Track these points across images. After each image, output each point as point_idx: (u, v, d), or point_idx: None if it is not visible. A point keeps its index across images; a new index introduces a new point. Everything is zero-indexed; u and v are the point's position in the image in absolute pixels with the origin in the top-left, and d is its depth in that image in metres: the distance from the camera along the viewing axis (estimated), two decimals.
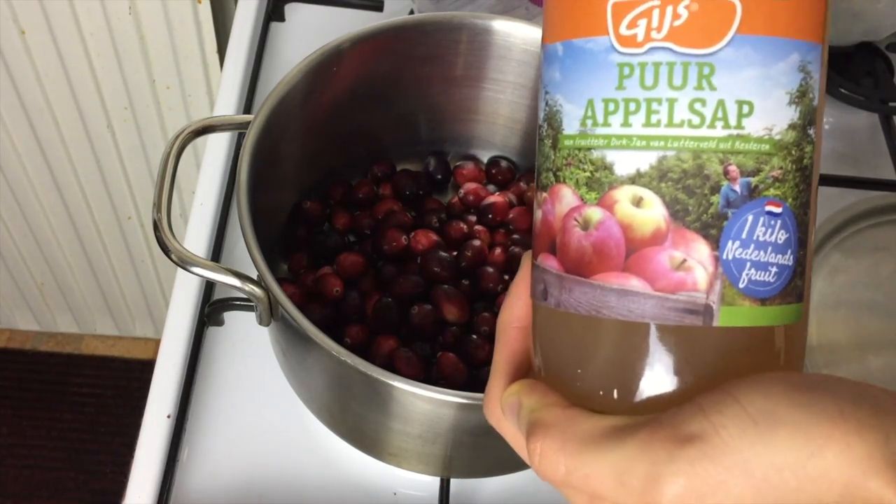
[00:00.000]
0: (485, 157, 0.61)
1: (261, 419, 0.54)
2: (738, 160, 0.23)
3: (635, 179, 0.24)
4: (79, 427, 1.39)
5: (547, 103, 0.26)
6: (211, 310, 0.56)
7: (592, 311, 0.24)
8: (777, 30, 0.23)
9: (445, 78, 0.56)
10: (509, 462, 0.50)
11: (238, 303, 0.56)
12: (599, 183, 0.24)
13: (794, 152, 0.24)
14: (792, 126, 0.24)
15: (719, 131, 0.23)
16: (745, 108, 0.23)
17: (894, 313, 0.58)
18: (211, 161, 0.64)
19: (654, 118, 0.23)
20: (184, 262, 0.42)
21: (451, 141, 0.60)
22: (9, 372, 1.43)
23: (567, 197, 0.25)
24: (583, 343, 0.25)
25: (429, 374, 0.49)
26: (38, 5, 0.87)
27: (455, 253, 0.53)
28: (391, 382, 0.39)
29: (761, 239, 0.24)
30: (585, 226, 0.25)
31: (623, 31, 0.23)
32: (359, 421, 0.48)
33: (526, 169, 0.60)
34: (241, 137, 0.49)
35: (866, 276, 0.58)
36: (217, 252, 0.60)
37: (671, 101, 0.23)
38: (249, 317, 0.56)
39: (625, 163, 0.24)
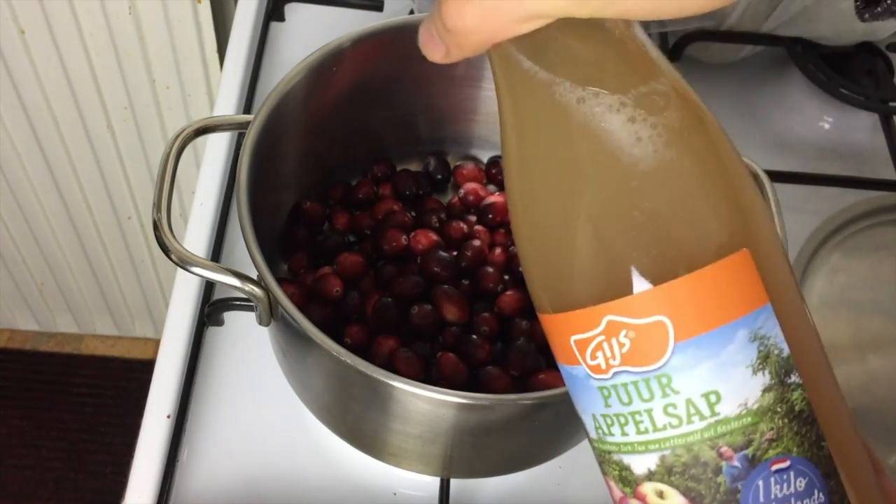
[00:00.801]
0: (485, 157, 0.61)
1: (261, 419, 0.54)
2: (727, 440, 0.25)
3: (650, 476, 0.26)
4: (79, 427, 1.39)
5: (573, 406, 0.29)
6: (211, 310, 0.56)
7: None
8: (711, 324, 0.24)
9: (445, 78, 0.56)
10: (509, 462, 0.50)
11: (238, 303, 0.56)
12: (627, 480, 0.27)
13: (779, 409, 0.25)
14: (767, 389, 0.25)
15: (698, 424, 0.25)
16: (713, 398, 0.25)
17: (894, 313, 0.58)
18: (211, 161, 0.64)
19: (641, 427, 0.26)
20: (184, 262, 0.42)
21: (451, 141, 0.60)
22: (9, 372, 1.43)
23: (614, 489, 0.28)
24: None
25: (429, 374, 0.49)
26: (38, 5, 0.87)
27: (455, 253, 0.53)
28: (391, 382, 0.39)
29: (780, 495, 0.25)
30: None
31: (589, 361, 0.26)
32: (359, 421, 0.48)
33: None
34: (241, 137, 0.48)
35: (866, 276, 0.58)
36: (217, 252, 0.60)
37: (648, 412, 0.25)
38: (249, 317, 0.56)
39: (637, 464, 0.26)
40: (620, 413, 0.26)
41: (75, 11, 0.88)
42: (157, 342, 0.83)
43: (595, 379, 0.26)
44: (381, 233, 0.54)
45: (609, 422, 0.26)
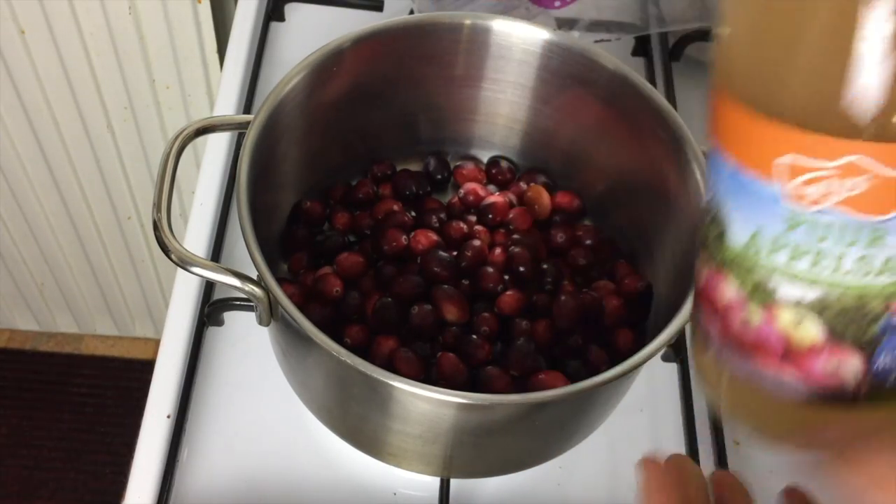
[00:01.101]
0: (485, 157, 0.61)
1: (261, 419, 0.54)
2: None
3: (799, 305, 0.25)
4: (79, 427, 1.39)
5: (714, 197, 0.27)
6: (211, 310, 0.56)
7: (750, 381, 0.27)
8: None
9: (445, 78, 0.56)
10: (509, 462, 0.50)
11: (238, 303, 0.56)
12: (763, 298, 0.26)
13: None
14: None
15: (885, 279, 0.24)
16: None
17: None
18: (211, 161, 0.64)
19: (820, 265, 0.24)
20: (184, 262, 0.42)
21: (451, 141, 0.60)
22: (9, 372, 1.43)
23: (731, 290, 0.26)
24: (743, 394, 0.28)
25: (429, 374, 0.49)
26: (38, 5, 0.87)
27: (455, 253, 0.53)
28: (391, 382, 0.39)
29: None
30: (746, 322, 0.26)
31: (795, 189, 0.24)
32: (359, 421, 0.48)
33: (526, 169, 0.60)
34: (241, 137, 0.49)
35: None
36: (217, 252, 0.60)
37: (840, 255, 0.24)
38: (249, 317, 0.56)
39: (787, 290, 0.25)
40: (802, 245, 0.24)
41: (75, 11, 0.88)
42: (157, 342, 0.83)
43: (790, 205, 0.24)
44: (381, 233, 0.54)
45: (778, 246, 0.25)
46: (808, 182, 0.23)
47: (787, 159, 0.23)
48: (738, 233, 0.26)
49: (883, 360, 0.25)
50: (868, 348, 0.25)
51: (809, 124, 0.23)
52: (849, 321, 0.25)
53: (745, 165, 0.25)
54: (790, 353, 0.26)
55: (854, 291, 0.24)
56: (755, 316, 0.26)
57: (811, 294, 0.25)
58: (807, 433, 0.27)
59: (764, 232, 0.25)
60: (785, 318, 0.26)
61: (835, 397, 0.26)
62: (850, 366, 0.25)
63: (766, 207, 0.25)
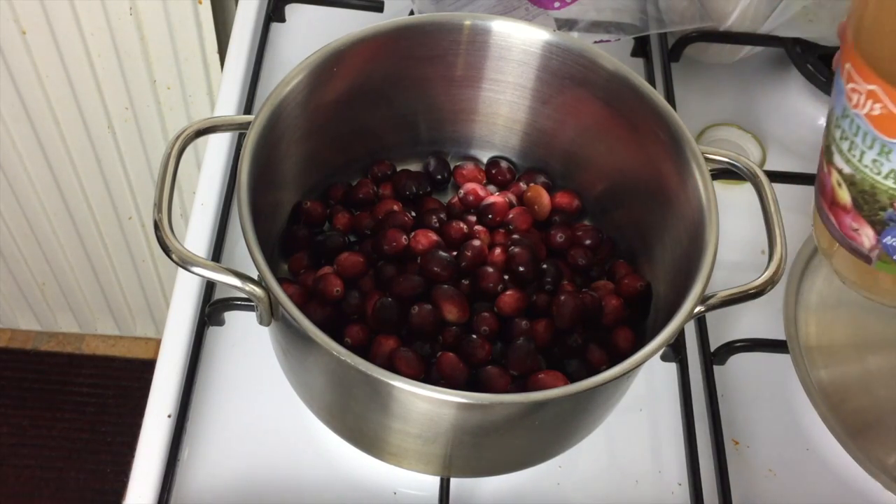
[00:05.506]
0: (485, 157, 0.61)
1: (261, 419, 0.54)
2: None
3: (839, 171, 0.41)
4: (79, 427, 1.39)
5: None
6: (211, 310, 0.57)
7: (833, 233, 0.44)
8: None
9: (445, 78, 0.56)
10: (509, 461, 0.51)
11: (238, 303, 0.56)
12: (828, 156, 0.42)
13: None
14: None
15: (890, 183, 0.38)
16: None
17: (894, 313, 0.58)
18: (211, 161, 0.65)
19: (852, 151, 0.40)
20: (184, 262, 0.42)
21: (451, 141, 0.60)
22: (10, 372, 1.43)
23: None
24: None
25: (429, 374, 0.49)
26: (39, 5, 0.87)
27: (455, 253, 0.53)
28: (391, 382, 0.39)
29: None
30: (821, 171, 0.44)
31: (847, 90, 0.39)
32: (359, 421, 0.48)
33: (526, 169, 0.60)
34: (241, 138, 0.49)
35: None
36: (217, 252, 0.60)
37: (863, 151, 0.39)
38: (250, 317, 0.56)
39: (836, 158, 0.41)
40: (846, 130, 0.40)
41: (76, 12, 0.88)
42: (157, 342, 0.83)
43: (844, 100, 0.39)
44: (381, 233, 0.54)
45: (837, 124, 0.41)
46: (853, 90, 0.38)
47: (847, 66, 0.38)
48: (833, 110, 0.40)
49: (888, 239, 0.40)
50: (878, 227, 0.39)
51: (862, 52, 0.37)
52: (865, 200, 0.39)
53: (840, 72, 0.40)
54: (834, 204, 0.41)
55: (869, 181, 0.39)
56: (824, 168, 0.41)
57: (846, 169, 0.40)
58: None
59: (835, 111, 0.40)
60: (833, 177, 0.40)
61: (858, 253, 0.41)
62: (865, 232, 0.40)
63: (838, 97, 0.39)
